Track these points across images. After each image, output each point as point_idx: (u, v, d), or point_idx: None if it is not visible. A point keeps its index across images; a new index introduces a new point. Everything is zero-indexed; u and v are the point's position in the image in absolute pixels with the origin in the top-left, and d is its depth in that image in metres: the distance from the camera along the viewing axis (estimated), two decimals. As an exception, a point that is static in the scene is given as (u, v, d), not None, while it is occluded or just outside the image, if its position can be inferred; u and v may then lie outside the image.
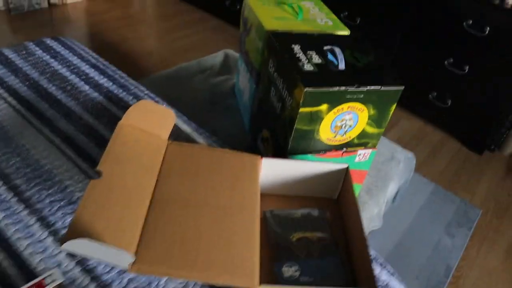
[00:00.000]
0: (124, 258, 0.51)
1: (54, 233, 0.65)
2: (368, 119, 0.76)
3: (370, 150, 0.83)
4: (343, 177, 0.73)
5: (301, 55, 0.76)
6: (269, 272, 0.61)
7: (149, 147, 0.66)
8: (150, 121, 0.68)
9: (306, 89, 0.67)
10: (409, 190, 1.53)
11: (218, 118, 1.09)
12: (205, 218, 0.59)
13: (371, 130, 0.79)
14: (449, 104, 1.81)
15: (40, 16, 2.26)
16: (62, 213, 0.68)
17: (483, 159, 1.83)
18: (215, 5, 2.52)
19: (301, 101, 0.69)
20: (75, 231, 0.49)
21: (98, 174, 0.58)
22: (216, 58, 1.33)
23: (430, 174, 1.69)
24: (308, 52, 0.78)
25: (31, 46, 1.03)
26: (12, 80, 0.92)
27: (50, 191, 0.71)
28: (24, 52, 1.01)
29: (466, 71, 1.70)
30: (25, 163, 0.74)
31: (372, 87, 0.71)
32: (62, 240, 0.49)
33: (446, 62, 1.74)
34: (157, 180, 0.62)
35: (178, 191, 0.61)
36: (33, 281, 0.53)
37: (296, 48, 0.79)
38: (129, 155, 0.63)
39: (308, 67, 0.73)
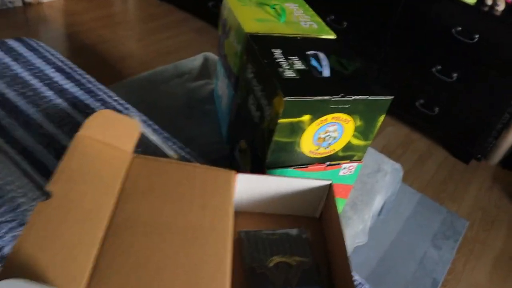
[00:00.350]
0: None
1: (1, 259, 0.57)
2: (354, 131, 0.71)
3: (355, 164, 0.77)
4: (326, 194, 0.67)
5: (282, 61, 0.70)
6: (243, 302, 0.54)
7: (110, 161, 0.59)
8: (112, 133, 0.60)
9: (286, 98, 0.61)
10: (395, 201, 1.48)
11: (195, 125, 1.02)
12: (170, 244, 0.52)
13: (357, 142, 0.73)
14: (436, 112, 1.77)
15: (14, 16, 2.15)
16: (12, 236, 0.61)
17: (469, 168, 1.80)
18: (198, 6, 2.46)
19: (280, 111, 0.63)
20: (12, 268, 0.42)
21: (47, 195, 0.50)
22: (195, 61, 1.27)
23: (417, 184, 1.65)
24: (290, 57, 0.72)
25: (-10, 46, 0.95)
26: (-34, 83, 0.84)
27: (-1, 210, 0.63)
28: (-18, 53, 0.93)
29: (454, 78, 1.66)
30: (-28, 178, 0.67)
31: (359, 97, 0.65)
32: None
33: (434, 69, 1.70)
34: (117, 200, 0.55)
35: (141, 213, 0.54)
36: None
37: (277, 52, 0.73)
38: (87, 171, 0.56)
39: (289, 73, 0.67)
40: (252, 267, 0.59)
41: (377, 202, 0.97)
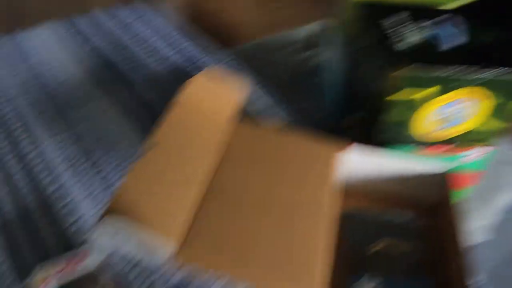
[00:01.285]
0: (166, 245, 0.45)
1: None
2: (490, 110, 0.60)
3: (486, 149, 0.66)
4: (444, 181, 0.59)
5: (400, 28, 0.62)
6: (341, 284, 0.51)
7: (210, 124, 0.58)
8: (215, 94, 0.60)
9: (401, 71, 0.54)
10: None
11: (299, 100, 0.99)
12: (267, 215, 0.50)
13: (492, 124, 0.62)
14: None
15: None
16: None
17: None
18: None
19: (393, 86, 0.56)
20: (117, 207, 0.44)
21: (152, 145, 0.52)
22: (304, 31, 1.22)
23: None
24: (408, 25, 0.63)
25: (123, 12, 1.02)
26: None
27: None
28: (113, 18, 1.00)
29: None
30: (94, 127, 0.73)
31: (502, 69, 0.54)
32: (99, 220, 0.44)
33: None
34: (216, 164, 0.55)
35: (240, 180, 0.54)
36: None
37: (393, 20, 0.64)
38: (187, 133, 0.56)
39: (406, 43, 0.59)
40: (354, 250, 0.55)
41: (509, 196, 0.83)
